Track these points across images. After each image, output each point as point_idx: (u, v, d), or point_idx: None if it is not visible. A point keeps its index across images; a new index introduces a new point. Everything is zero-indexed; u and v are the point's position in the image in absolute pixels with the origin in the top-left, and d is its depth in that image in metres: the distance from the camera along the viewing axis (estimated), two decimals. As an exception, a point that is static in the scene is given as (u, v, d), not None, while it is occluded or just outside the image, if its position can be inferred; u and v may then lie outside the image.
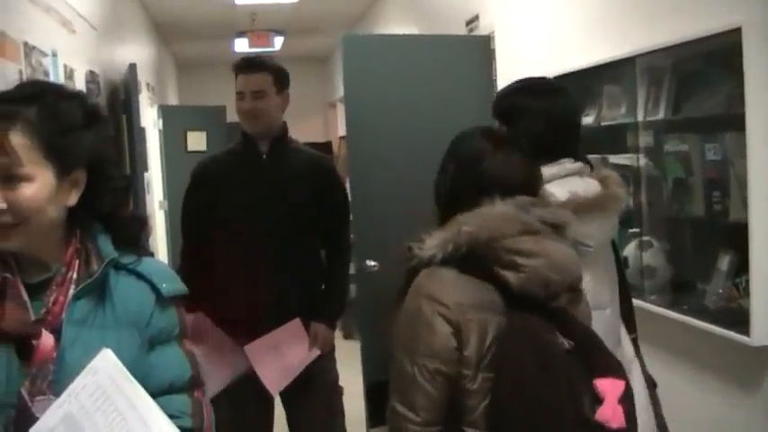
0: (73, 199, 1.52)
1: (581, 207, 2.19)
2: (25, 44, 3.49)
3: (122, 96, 6.06)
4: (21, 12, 3.51)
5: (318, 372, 3.37)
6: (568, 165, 2.37)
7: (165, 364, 1.57)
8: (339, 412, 3.55)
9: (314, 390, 3.35)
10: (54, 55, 4.00)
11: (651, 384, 2.52)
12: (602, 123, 3.77)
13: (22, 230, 1.45)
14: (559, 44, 4.34)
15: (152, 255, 1.69)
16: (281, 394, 3.38)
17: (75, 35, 4.62)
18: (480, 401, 1.75)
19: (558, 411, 1.63)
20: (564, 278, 1.76)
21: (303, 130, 14.51)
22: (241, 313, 3.15)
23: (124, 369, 1.40)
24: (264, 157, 3.36)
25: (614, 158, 3.62)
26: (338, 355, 6.74)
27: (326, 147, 14.75)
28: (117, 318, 1.52)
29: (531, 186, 1.92)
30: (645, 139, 3.45)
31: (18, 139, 1.43)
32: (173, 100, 11.72)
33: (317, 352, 3.36)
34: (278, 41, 11.11)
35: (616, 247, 2.57)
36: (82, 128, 1.52)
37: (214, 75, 10.21)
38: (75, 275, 1.51)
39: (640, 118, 3.44)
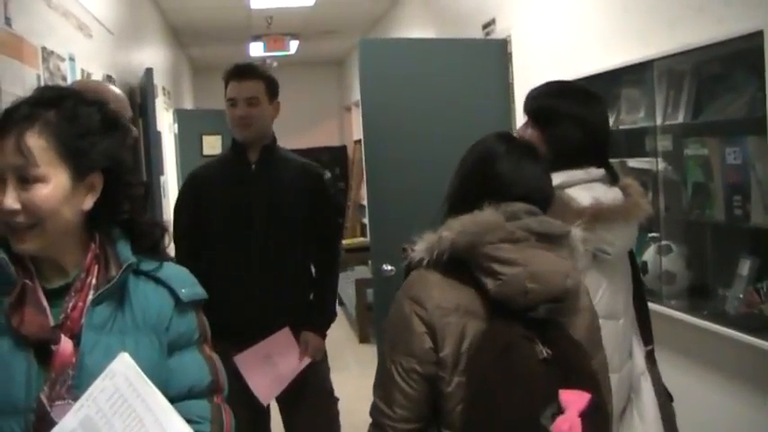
0: (88, 203, 1.52)
1: (604, 214, 2.19)
2: (43, 49, 3.51)
3: (139, 100, 6.06)
4: (39, 17, 3.52)
5: (312, 379, 3.39)
6: (594, 170, 2.34)
7: (184, 369, 1.57)
8: (334, 419, 3.56)
9: (308, 397, 3.36)
10: (71, 59, 4.01)
11: (667, 398, 2.47)
12: (621, 127, 3.74)
13: (38, 233, 1.46)
14: (576, 48, 4.31)
15: (172, 260, 1.69)
16: (278, 402, 3.40)
17: (92, 39, 4.63)
18: (456, 404, 1.76)
19: (514, 420, 1.64)
20: (545, 288, 1.73)
21: (318, 134, 14.73)
22: (232, 321, 3.10)
23: (141, 372, 1.40)
24: (254, 165, 3.35)
25: (633, 162, 3.59)
26: (353, 358, 6.77)
27: (341, 151, 14.81)
28: (136, 323, 1.53)
29: (538, 195, 1.90)
30: (664, 143, 3.43)
31: (34, 141, 1.45)
32: (188, 104, 11.76)
33: (307, 360, 3.36)
34: (293, 45, 11.15)
35: (634, 257, 2.54)
36: (99, 133, 1.53)
37: (229, 79, 10.46)
38: (94, 281, 1.52)
39: (659, 122, 3.42)
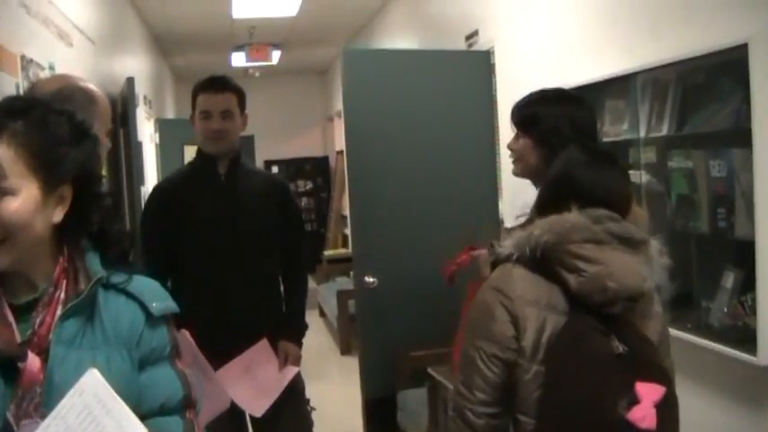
0: (59, 215, 1.48)
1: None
2: (22, 57, 3.46)
3: (120, 110, 6.01)
4: (19, 24, 3.47)
5: (286, 387, 3.37)
6: None
7: (156, 385, 1.54)
8: (308, 425, 3.54)
9: (282, 403, 3.32)
10: (51, 68, 3.96)
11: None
12: (605, 139, 3.73)
13: (8, 247, 1.41)
14: (560, 59, 4.31)
15: (142, 273, 1.66)
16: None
17: (73, 48, 4.58)
18: (532, 392, 1.88)
19: (588, 409, 1.77)
20: (622, 287, 1.85)
21: (301, 144, 14.70)
22: (210, 336, 3.07)
23: (110, 388, 1.36)
24: (223, 178, 3.34)
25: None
26: (336, 370, 6.74)
27: (324, 161, 14.79)
28: (107, 338, 1.49)
29: (618, 199, 2.01)
30: (648, 156, 3.42)
31: (3, 152, 1.40)
32: (170, 113, 11.68)
33: (295, 369, 3.38)
34: (275, 55, 11.12)
35: None
36: (69, 143, 1.49)
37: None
38: (63, 295, 1.48)
39: (643, 134, 3.41)
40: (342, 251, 11.29)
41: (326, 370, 7.59)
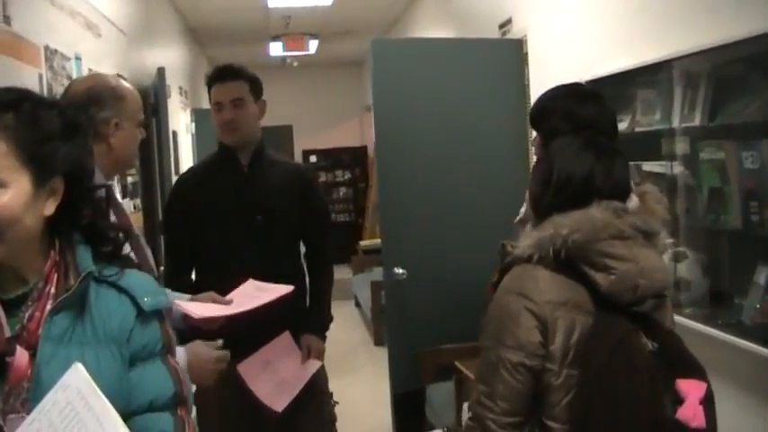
0: (50, 209, 1.46)
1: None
2: (46, 48, 3.45)
3: (152, 100, 6.03)
4: (42, 16, 3.47)
5: (309, 381, 3.32)
6: None
7: (146, 382, 1.51)
8: (330, 419, 3.50)
9: (302, 398, 3.27)
10: (78, 59, 3.97)
11: None
12: (636, 129, 3.64)
13: None
14: (593, 48, 4.21)
15: (137, 266, 1.64)
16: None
17: (102, 39, 4.58)
18: (563, 397, 1.82)
19: (637, 410, 1.71)
20: (651, 284, 1.82)
21: (339, 134, 14.72)
22: (230, 327, 3.06)
23: (94, 385, 1.34)
24: (246, 169, 3.31)
25: (648, 166, 3.49)
26: (369, 360, 6.73)
27: (361, 151, 14.77)
28: (96, 334, 1.47)
29: (623, 192, 1.99)
30: (680, 146, 3.32)
31: None
32: (206, 104, 11.72)
33: (318, 363, 3.34)
34: (312, 45, 11.10)
35: None
36: (60, 137, 1.47)
37: (248, 79, 10.75)
38: (53, 290, 1.46)
39: (675, 124, 3.32)
40: (377, 242, 11.23)
41: (360, 361, 7.59)
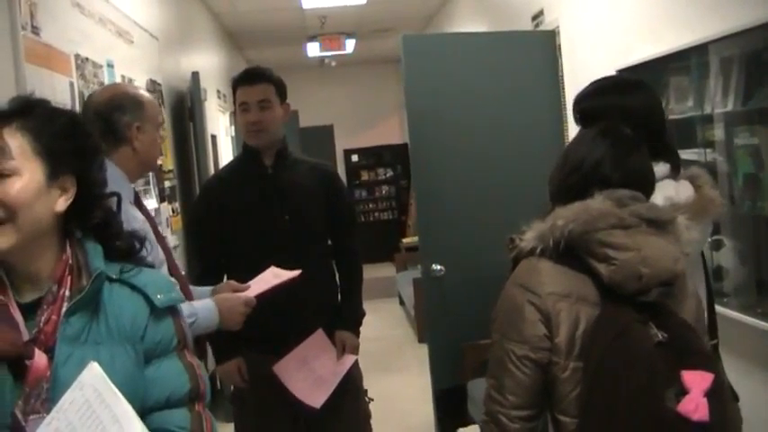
0: (61, 205, 1.53)
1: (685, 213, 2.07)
2: (77, 56, 3.50)
3: (189, 104, 6.09)
4: (71, 24, 3.51)
5: (343, 378, 3.33)
6: (661, 167, 2.24)
7: (162, 378, 1.54)
8: (365, 416, 3.50)
9: (338, 395, 3.28)
10: (110, 66, 4.01)
11: (732, 397, 2.34)
12: (670, 117, 3.58)
13: (11, 228, 1.47)
14: (624, 36, 4.15)
15: (150, 266, 1.69)
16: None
17: (134, 45, 4.63)
18: (571, 390, 1.80)
19: (636, 403, 1.67)
20: (656, 272, 1.77)
21: (380, 132, 14.72)
22: (266, 331, 3.09)
23: (109, 382, 1.38)
24: (270, 170, 3.32)
25: (683, 154, 3.42)
26: (414, 358, 6.75)
27: (403, 148, 14.74)
28: (111, 332, 1.51)
29: (640, 180, 1.93)
30: (714, 133, 3.27)
31: (10, 136, 1.49)
32: (247, 106, 11.79)
33: (353, 358, 3.35)
34: (349, 44, 11.11)
35: (703, 254, 2.46)
36: (72, 139, 1.55)
37: (287, 80, 10.69)
38: (67, 292, 1.51)
39: (708, 110, 3.26)
40: (420, 239, 11.21)
41: (405, 359, 7.58)
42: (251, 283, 2.77)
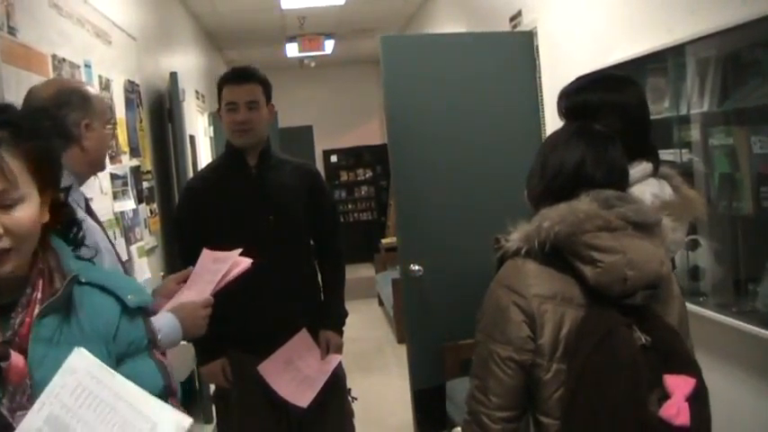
0: (46, 216, 1.51)
1: (667, 212, 2.08)
2: (53, 56, 3.47)
3: (168, 105, 6.06)
4: (49, 25, 3.48)
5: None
6: (645, 165, 2.26)
7: (136, 377, 1.51)
8: (349, 415, 3.50)
9: (324, 394, 3.28)
10: (87, 66, 3.99)
11: None
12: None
13: (15, 254, 1.44)
14: (601, 37, 4.18)
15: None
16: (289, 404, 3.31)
17: (112, 46, 4.60)
18: (554, 392, 1.80)
19: (618, 406, 1.68)
20: (641, 275, 1.77)
21: (360, 133, 14.72)
22: (250, 331, 3.09)
23: (103, 364, 1.38)
24: (254, 170, 3.32)
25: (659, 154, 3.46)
26: (393, 358, 6.74)
27: (383, 149, 14.74)
28: (84, 333, 1.50)
29: (620, 178, 1.95)
30: (690, 133, 3.29)
31: (9, 160, 1.43)
32: (226, 107, 11.76)
33: (338, 357, 3.36)
34: (329, 45, 11.10)
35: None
36: (51, 141, 1.53)
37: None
38: (39, 295, 1.49)
39: (684, 111, 3.28)
40: (399, 240, 11.21)
41: (384, 360, 7.59)
42: (192, 273, 2.55)
